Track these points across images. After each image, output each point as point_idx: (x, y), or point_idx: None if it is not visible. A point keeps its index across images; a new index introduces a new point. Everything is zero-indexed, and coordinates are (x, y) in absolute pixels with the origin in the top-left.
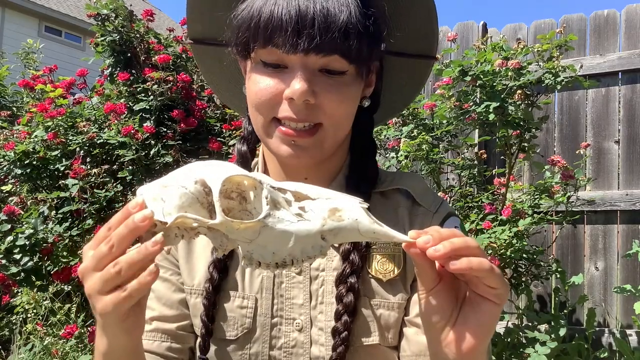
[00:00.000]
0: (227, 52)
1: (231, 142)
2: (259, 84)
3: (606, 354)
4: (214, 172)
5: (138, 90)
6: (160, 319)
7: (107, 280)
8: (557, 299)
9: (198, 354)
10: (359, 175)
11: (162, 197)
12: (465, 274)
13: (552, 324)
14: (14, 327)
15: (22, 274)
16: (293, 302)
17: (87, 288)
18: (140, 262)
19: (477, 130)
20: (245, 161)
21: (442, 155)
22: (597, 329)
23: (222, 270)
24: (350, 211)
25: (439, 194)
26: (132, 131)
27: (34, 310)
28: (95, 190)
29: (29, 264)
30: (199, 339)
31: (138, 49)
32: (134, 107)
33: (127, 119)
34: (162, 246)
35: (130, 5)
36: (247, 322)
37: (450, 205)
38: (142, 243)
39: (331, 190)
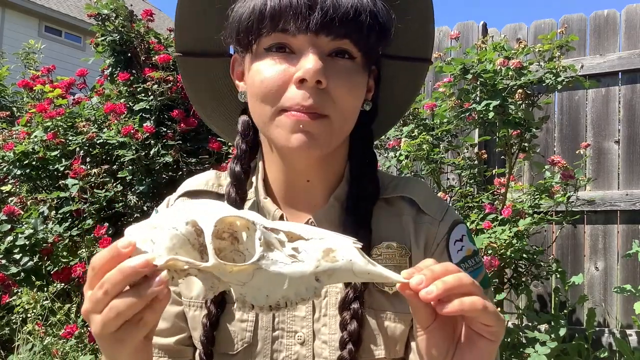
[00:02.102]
0: (217, 64)
1: (231, 143)
2: (264, 72)
3: (606, 354)
4: (205, 212)
5: (138, 90)
6: (156, 334)
7: (109, 324)
8: (557, 299)
9: None
10: (359, 189)
11: (152, 238)
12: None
13: (552, 324)
14: (14, 327)
15: (22, 274)
16: (295, 314)
17: (93, 331)
18: (142, 303)
19: (477, 130)
20: (240, 182)
21: (442, 155)
22: (597, 329)
23: (220, 303)
24: (344, 252)
25: (439, 194)
26: (132, 131)
27: (34, 310)
28: (95, 190)
29: (29, 264)
30: (198, 352)
31: (138, 49)
32: (134, 107)
33: (127, 119)
34: (165, 285)
35: (131, 5)
36: (248, 336)
37: (451, 205)
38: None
39: (324, 230)
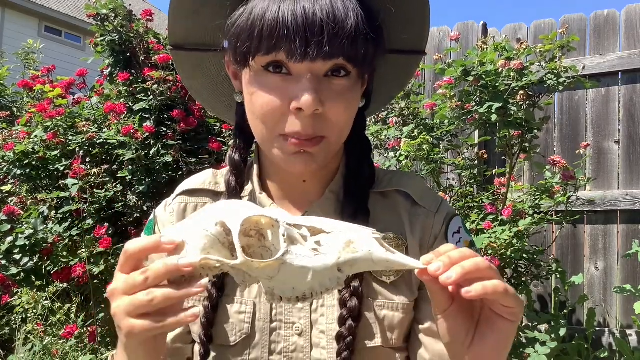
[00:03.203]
0: (211, 57)
1: (231, 142)
2: (263, 96)
3: (606, 354)
4: (232, 213)
5: (138, 90)
6: None
7: (138, 306)
8: (557, 299)
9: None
10: (356, 176)
11: (186, 239)
12: None
13: (552, 324)
14: (14, 327)
15: (22, 274)
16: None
17: (115, 308)
18: (177, 299)
19: (477, 130)
20: (239, 171)
21: (442, 155)
22: (597, 329)
23: (220, 287)
24: (364, 243)
25: (439, 194)
26: (132, 131)
27: (34, 310)
28: (95, 190)
29: (29, 264)
30: (197, 346)
31: (137, 49)
32: (133, 107)
33: (127, 118)
34: (204, 289)
35: (130, 5)
36: (246, 328)
37: (451, 205)
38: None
39: (345, 222)
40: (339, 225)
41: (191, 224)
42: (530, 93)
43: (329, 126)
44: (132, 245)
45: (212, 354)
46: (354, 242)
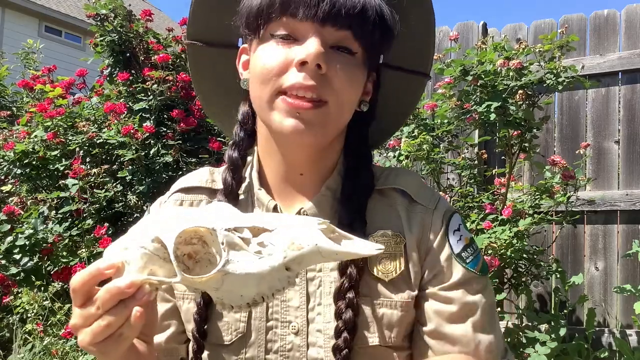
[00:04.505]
0: (224, 56)
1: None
2: (266, 56)
3: (606, 354)
4: (167, 227)
5: (137, 90)
6: None
7: (98, 333)
8: (557, 299)
9: (191, 356)
10: (354, 182)
11: (125, 259)
12: None
13: (552, 324)
14: (14, 327)
15: (22, 274)
16: (289, 305)
17: (80, 342)
18: (129, 314)
19: (477, 130)
20: (237, 167)
21: (442, 155)
22: (597, 329)
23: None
24: (309, 237)
25: (439, 193)
26: (132, 131)
27: (34, 311)
28: (95, 190)
29: (29, 264)
30: (191, 344)
31: (137, 49)
32: (133, 107)
33: (126, 118)
34: (149, 297)
35: (129, 5)
36: (242, 327)
37: (451, 204)
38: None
39: (288, 215)
40: (282, 220)
41: (129, 241)
42: (530, 93)
43: (331, 91)
44: (75, 281)
45: (207, 353)
46: (299, 238)
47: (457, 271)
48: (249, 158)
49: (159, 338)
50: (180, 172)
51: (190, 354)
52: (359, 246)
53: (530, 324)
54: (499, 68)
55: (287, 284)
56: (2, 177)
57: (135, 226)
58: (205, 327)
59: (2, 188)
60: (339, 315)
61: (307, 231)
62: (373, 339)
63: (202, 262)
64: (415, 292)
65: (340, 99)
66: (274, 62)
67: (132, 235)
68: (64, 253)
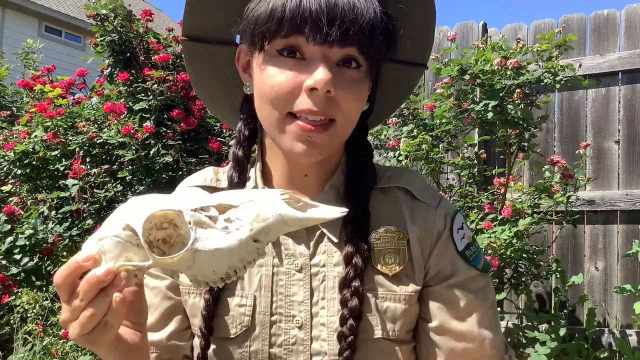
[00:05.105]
0: (222, 51)
1: (231, 142)
2: (275, 77)
3: (606, 354)
4: (136, 214)
5: (138, 90)
6: (147, 330)
7: (86, 324)
8: (557, 298)
9: (198, 351)
10: (357, 177)
11: (102, 250)
12: None
13: (552, 324)
14: (14, 327)
15: (22, 274)
16: (292, 299)
17: (71, 335)
18: (109, 303)
19: (476, 130)
20: (242, 166)
21: (442, 155)
22: (597, 329)
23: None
24: (273, 208)
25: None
26: (132, 131)
27: (34, 310)
28: (95, 190)
29: (29, 264)
30: (196, 339)
31: (137, 49)
32: (133, 107)
33: (127, 118)
34: (127, 283)
35: (130, 5)
36: (246, 320)
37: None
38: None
39: (251, 190)
40: (245, 195)
41: (103, 232)
42: (528, 92)
43: (338, 110)
44: (58, 276)
45: (212, 346)
46: (263, 210)
47: (461, 268)
48: (253, 156)
49: (161, 335)
50: (180, 172)
51: (197, 350)
52: (322, 211)
53: (530, 323)
54: (497, 67)
55: (257, 255)
56: (2, 177)
57: (109, 217)
58: (212, 322)
59: (2, 188)
60: (344, 304)
61: (270, 202)
62: (377, 331)
63: (176, 245)
64: (420, 287)
65: (347, 116)
66: (284, 87)
67: (106, 226)
68: (64, 253)
